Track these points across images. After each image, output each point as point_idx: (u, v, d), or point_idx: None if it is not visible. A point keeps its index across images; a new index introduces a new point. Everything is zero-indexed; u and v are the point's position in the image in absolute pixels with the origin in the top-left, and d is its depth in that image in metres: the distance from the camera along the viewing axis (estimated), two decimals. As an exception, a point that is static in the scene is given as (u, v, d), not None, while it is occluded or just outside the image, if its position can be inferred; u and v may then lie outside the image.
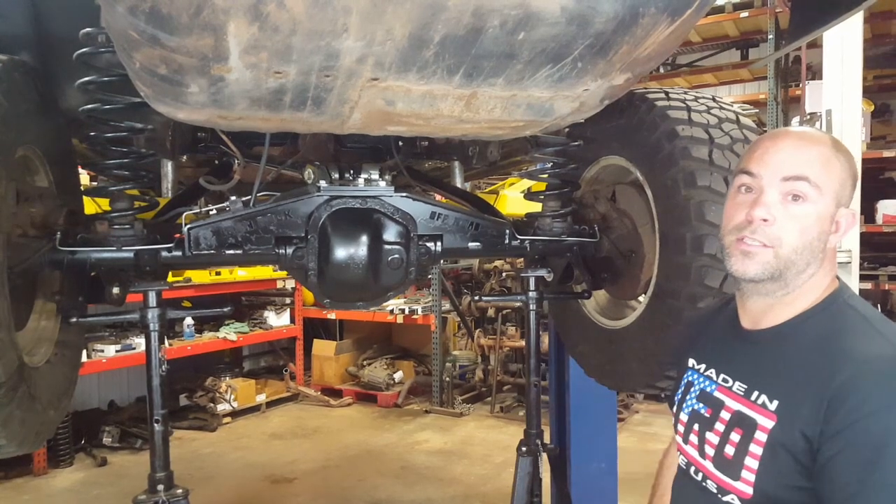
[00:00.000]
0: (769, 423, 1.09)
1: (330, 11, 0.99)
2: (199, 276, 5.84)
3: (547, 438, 3.07)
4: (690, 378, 1.31)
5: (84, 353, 5.05)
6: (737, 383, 1.19)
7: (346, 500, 4.54)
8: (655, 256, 1.89)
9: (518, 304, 6.21)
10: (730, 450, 1.15)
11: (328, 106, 1.30)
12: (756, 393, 1.14)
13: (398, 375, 6.99)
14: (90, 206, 1.95)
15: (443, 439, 5.73)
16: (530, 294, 2.18)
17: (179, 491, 1.68)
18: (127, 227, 1.68)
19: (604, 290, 2.24)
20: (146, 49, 1.07)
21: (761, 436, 1.10)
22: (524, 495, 2.07)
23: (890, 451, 0.96)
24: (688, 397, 1.29)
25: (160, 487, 1.66)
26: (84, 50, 1.52)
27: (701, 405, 1.25)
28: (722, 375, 1.23)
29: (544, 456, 2.18)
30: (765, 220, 1.12)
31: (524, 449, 2.12)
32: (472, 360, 6.98)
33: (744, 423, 1.14)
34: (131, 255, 1.68)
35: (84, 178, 3.49)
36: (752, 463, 1.11)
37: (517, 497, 2.08)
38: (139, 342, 5.44)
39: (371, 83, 1.22)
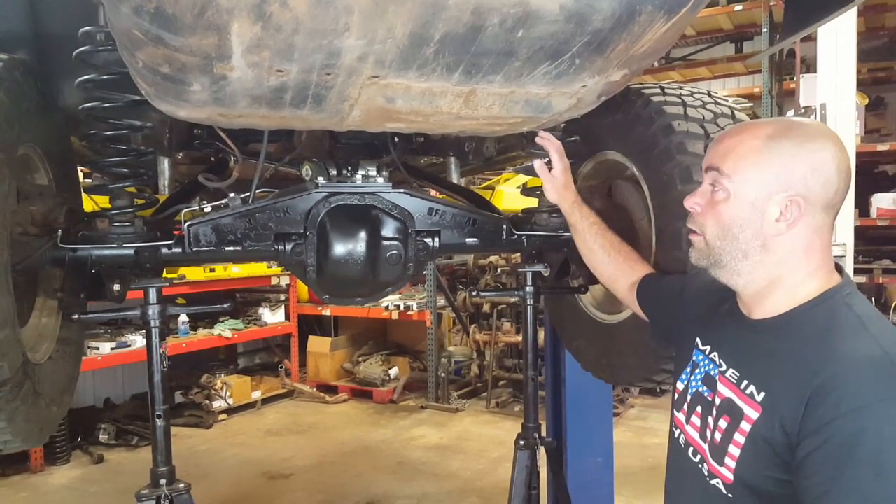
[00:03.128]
0: (754, 415, 1.11)
1: (332, 11, 1.00)
2: (194, 274, 5.83)
3: (543, 433, 3.10)
4: (696, 358, 1.32)
5: (80, 350, 5.09)
6: (731, 370, 1.20)
7: (342, 496, 4.56)
8: (652, 251, 1.91)
9: (514, 299, 6.24)
10: (717, 436, 1.18)
11: (328, 103, 1.31)
12: (745, 382, 1.15)
13: (394, 371, 7.01)
14: (88, 204, 1.95)
15: (439, 435, 5.75)
16: (527, 289, 2.19)
17: (182, 485, 1.69)
18: (127, 224, 1.69)
19: (600, 285, 2.26)
20: (150, 48, 1.08)
21: (745, 426, 1.12)
22: (522, 488, 2.10)
23: (862, 452, 0.97)
24: (693, 378, 1.31)
25: (162, 482, 1.67)
26: (83, 48, 1.52)
27: (704, 388, 1.26)
28: (721, 360, 1.24)
29: (542, 449, 2.20)
30: (692, 209, 1.22)
31: (522, 442, 2.14)
32: (468, 356, 7.00)
33: (732, 411, 1.16)
34: (132, 252, 1.69)
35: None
36: (734, 451, 1.13)
37: (515, 489, 2.10)
38: (134, 340, 5.44)
39: (371, 81, 1.23)
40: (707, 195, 1.20)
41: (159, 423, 1.69)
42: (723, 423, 1.17)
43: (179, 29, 1.01)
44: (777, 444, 1.06)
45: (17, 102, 1.47)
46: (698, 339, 1.33)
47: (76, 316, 1.67)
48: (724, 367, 1.22)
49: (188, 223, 1.72)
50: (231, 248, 1.76)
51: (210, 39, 1.02)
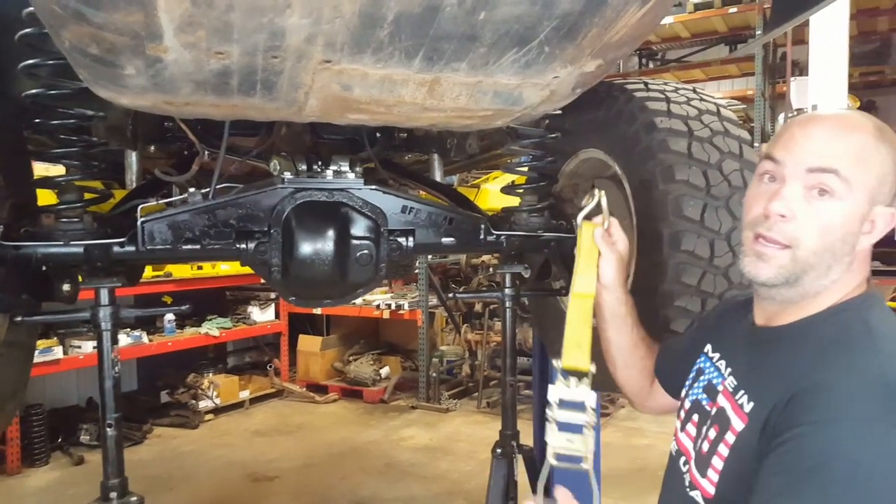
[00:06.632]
0: (740, 426, 1.04)
1: (268, -15, 0.91)
2: (180, 271, 5.73)
3: (530, 434, 3.01)
4: (702, 365, 1.23)
5: (61, 349, 4.99)
6: (730, 378, 1.12)
7: (327, 499, 4.47)
8: (633, 254, 1.82)
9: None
10: (704, 446, 1.11)
11: (280, 90, 1.22)
12: (741, 392, 1.07)
13: (385, 371, 6.93)
14: (51, 197, 1.85)
15: (428, 435, 5.67)
16: (506, 291, 2.10)
17: (134, 499, 1.60)
18: (75, 220, 1.59)
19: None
20: (73, 26, 0.98)
21: (730, 437, 1.05)
22: (499, 499, 2.01)
23: (826, 473, 0.87)
24: (695, 385, 1.22)
25: (113, 495, 1.58)
26: (26, 31, 1.43)
27: (704, 396, 1.18)
28: (728, 369, 1.15)
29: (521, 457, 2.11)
30: (783, 216, 1.01)
31: (499, 451, 2.06)
32: (460, 356, 6.92)
33: (720, 421, 1.09)
34: (80, 250, 1.59)
35: (61, 169, 3.38)
36: (717, 463, 1.06)
37: (492, 501, 2.01)
38: (119, 338, 5.33)
39: (324, 66, 1.14)
40: (800, 200, 1.00)
41: (110, 432, 1.59)
42: (711, 434, 1.09)
43: (100, 3, 0.91)
44: (760, 454, 0.97)
45: None
46: (709, 346, 1.24)
47: (19, 318, 1.57)
48: (727, 377, 1.14)
49: (142, 220, 1.63)
50: (188, 247, 1.66)
51: (135, 16, 0.93)
